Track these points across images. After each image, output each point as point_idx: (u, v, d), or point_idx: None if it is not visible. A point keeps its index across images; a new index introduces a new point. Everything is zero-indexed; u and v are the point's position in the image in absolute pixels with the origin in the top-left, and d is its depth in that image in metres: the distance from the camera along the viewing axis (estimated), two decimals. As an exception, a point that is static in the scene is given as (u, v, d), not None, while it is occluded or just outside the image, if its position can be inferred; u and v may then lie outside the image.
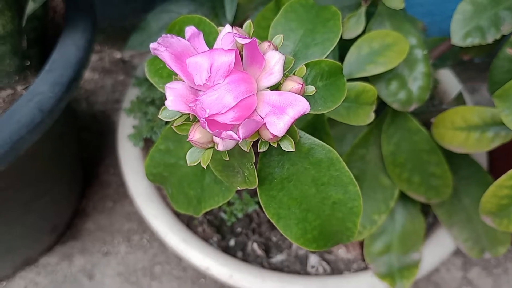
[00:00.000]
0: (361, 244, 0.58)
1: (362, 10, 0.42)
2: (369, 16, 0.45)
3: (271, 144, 0.25)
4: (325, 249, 0.31)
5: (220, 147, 0.23)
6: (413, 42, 0.42)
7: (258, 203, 0.60)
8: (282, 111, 0.23)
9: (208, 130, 0.21)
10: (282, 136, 0.23)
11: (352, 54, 0.39)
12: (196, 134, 0.24)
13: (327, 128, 0.38)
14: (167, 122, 0.61)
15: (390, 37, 0.39)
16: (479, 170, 0.54)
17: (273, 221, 0.30)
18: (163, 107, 0.26)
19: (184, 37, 0.25)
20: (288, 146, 0.24)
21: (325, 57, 0.29)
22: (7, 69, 0.46)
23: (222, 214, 0.59)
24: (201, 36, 0.25)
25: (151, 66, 0.31)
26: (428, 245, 0.56)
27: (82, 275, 0.71)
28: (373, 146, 0.51)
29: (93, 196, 0.78)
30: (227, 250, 0.56)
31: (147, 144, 0.63)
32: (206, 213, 0.60)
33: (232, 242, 0.58)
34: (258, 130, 0.24)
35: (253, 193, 0.58)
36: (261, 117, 0.23)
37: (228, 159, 0.25)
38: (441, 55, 0.49)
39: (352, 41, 0.41)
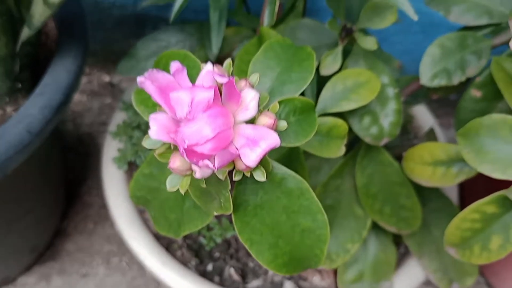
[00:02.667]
0: (335, 272, 0.59)
1: (339, 49, 0.46)
2: (346, 54, 0.48)
3: (245, 173, 0.27)
4: (295, 273, 0.33)
5: (198, 175, 0.25)
6: (385, 80, 0.45)
7: (237, 228, 0.61)
8: (255, 144, 0.25)
9: (186, 159, 0.23)
10: (255, 167, 0.25)
11: (327, 90, 0.42)
12: (176, 162, 0.26)
13: (302, 160, 0.40)
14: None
15: (363, 75, 0.42)
16: (448, 203, 0.56)
17: (246, 246, 0.31)
18: (146, 135, 0.28)
19: (169, 71, 0.27)
20: (260, 176, 0.26)
21: (299, 94, 0.31)
22: (-1, 90, 0.48)
23: (201, 239, 0.61)
24: (185, 71, 0.27)
25: (138, 95, 0.33)
26: (399, 274, 0.58)
27: (59, 296, 0.71)
28: (347, 177, 0.53)
29: (74, 216, 0.78)
30: (204, 275, 0.57)
31: (131, 167, 0.64)
32: (185, 237, 0.61)
33: (210, 267, 0.59)
34: (233, 160, 0.26)
35: (231, 219, 0.60)
36: (237, 149, 0.25)
37: (205, 186, 0.27)
38: (413, 93, 0.52)
39: (329, 77, 0.44)
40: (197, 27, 0.60)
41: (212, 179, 0.29)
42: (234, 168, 0.27)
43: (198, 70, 0.32)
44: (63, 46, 0.51)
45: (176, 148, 0.26)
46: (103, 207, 0.80)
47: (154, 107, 0.32)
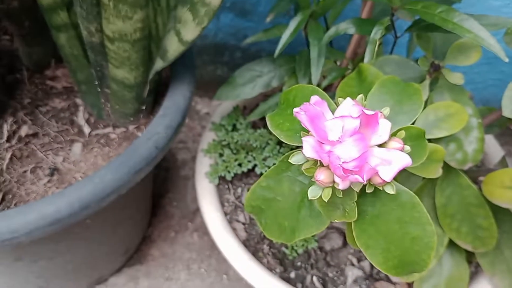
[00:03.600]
0: (409, 285, 0.64)
1: (427, 82, 0.51)
2: (430, 87, 0.54)
3: (376, 187, 0.33)
4: (402, 275, 0.38)
5: (341, 187, 0.32)
6: (469, 111, 0.50)
7: (317, 241, 0.67)
8: (389, 163, 0.31)
9: (342, 173, 0.29)
10: (388, 182, 0.32)
11: (420, 119, 0.47)
12: (322, 175, 0.32)
13: (397, 179, 0.46)
14: (240, 164, 0.70)
15: (453, 107, 0.47)
16: (520, 226, 0.60)
17: (362, 249, 0.37)
18: (292, 153, 0.34)
19: (297, 102, 0.34)
20: (390, 190, 0.32)
21: (411, 124, 0.37)
22: (127, 111, 0.56)
23: (284, 249, 0.67)
24: (326, 103, 0.34)
25: (272, 121, 0.40)
26: (471, 291, 0.61)
27: (146, 297, 0.78)
28: (426, 197, 0.58)
29: (158, 225, 0.86)
30: (288, 281, 0.63)
31: (220, 182, 0.71)
32: (270, 247, 0.67)
33: (292, 275, 0.64)
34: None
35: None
36: (373, 167, 0.31)
37: (341, 196, 0.33)
38: (489, 123, 0.57)
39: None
40: (286, 59, 0.68)
41: (343, 191, 0.35)
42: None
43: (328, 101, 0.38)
44: (177, 74, 0.59)
45: (321, 164, 0.33)
46: (183, 217, 0.87)
47: (289, 130, 0.39)
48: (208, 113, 1.05)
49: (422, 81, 0.53)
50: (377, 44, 0.48)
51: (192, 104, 1.07)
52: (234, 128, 0.74)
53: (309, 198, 0.34)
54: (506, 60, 0.42)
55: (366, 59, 0.48)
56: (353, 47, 0.62)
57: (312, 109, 0.33)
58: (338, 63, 0.67)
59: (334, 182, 0.33)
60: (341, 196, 0.34)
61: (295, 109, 0.32)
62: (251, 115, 0.69)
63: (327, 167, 0.32)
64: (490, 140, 0.77)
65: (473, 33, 0.42)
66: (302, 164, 0.34)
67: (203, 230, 0.85)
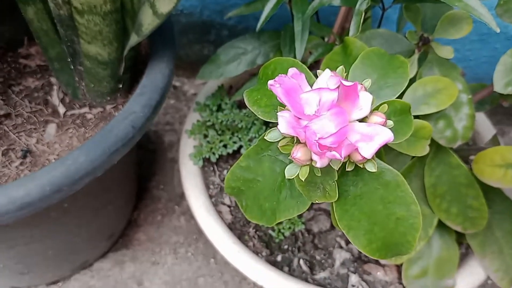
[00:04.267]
0: (398, 268, 0.62)
1: (416, 57, 0.49)
2: (419, 62, 0.51)
3: (357, 164, 0.31)
4: (386, 258, 0.36)
5: (318, 164, 0.29)
6: (459, 87, 0.48)
7: (304, 223, 0.65)
8: (370, 139, 0.29)
9: (318, 149, 0.27)
10: (368, 159, 0.29)
11: (408, 95, 0.45)
12: (299, 153, 0.30)
13: (383, 158, 0.44)
14: (225, 145, 0.67)
15: (442, 82, 0.45)
16: (511, 206, 0.58)
17: (344, 231, 0.35)
18: (268, 130, 0.32)
19: (275, 75, 0.32)
20: (372, 167, 0.30)
21: (396, 98, 0.35)
22: (103, 90, 0.54)
23: (271, 232, 0.65)
24: (303, 75, 0.32)
25: (250, 97, 0.37)
26: (461, 273, 0.60)
27: (132, 282, 0.76)
28: (415, 177, 0.56)
29: (144, 209, 0.84)
30: (274, 265, 0.62)
31: (205, 164, 0.69)
32: (256, 230, 0.65)
33: (279, 258, 0.63)
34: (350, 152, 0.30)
35: (299, 214, 0.64)
36: (352, 143, 0.29)
37: (319, 174, 0.31)
38: (480, 100, 0.55)
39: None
40: (271, 35, 0.65)
41: (321, 170, 0.33)
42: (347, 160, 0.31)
43: (307, 74, 0.36)
44: (156, 51, 0.56)
45: (298, 141, 0.31)
46: (170, 200, 0.85)
47: (266, 106, 0.37)
48: (196, 94, 1.02)
49: (411, 55, 0.51)
50: (363, 16, 0.45)
51: (179, 85, 1.04)
52: (219, 108, 0.72)
53: (285, 177, 0.32)
54: (498, 30, 0.39)
55: (351, 32, 0.46)
56: (340, 21, 0.60)
57: (288, 81, 0.30)
58: (326, 39, 0.65)
59: (312, 160, 0.30)
60: (319, 174, 0.32)
61: (269, 82, 0.30)
62: (236, 95, 0.67)
63: (304, 143, 0.30)
64: (482, 119, 0.75)
65: (463, 2, 0.39)
66: (276, 142, 0.32)
67: (190, 214, 0.83)
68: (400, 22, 0.63)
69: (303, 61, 0.60)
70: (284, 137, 0.32)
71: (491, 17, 0.40)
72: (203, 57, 1.00)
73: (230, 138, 0.68)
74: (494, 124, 0.86)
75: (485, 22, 0.41)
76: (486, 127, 0.76)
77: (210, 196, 0.66)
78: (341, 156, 0.27)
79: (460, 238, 0.61)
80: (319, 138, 0.27)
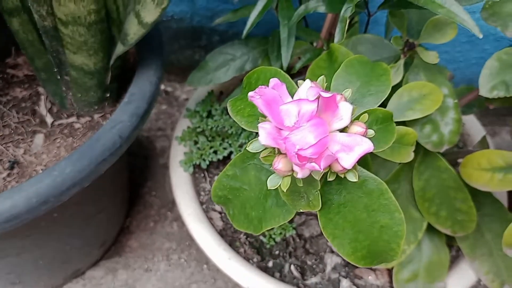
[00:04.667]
0: (389, 271, 0.62)
1: (401, 62, 0.49)
2: (405, 67, 0.51)
3: (338, 174, 0.31)
4: (371, 266, 0.36)
5: (299, 175, 0.30)
6: (445, 91, 0.48)
7: (295, 228, 0.65)
8: (351, 149, 0.29)
9: (297, 161, 0.27)
10: (349, 169, 0.30)
11: (393, 101, 0.45)
12: (280, 164, 0.30)
13: (370, 164, 0.44)
14: (215, 151, 0.67)
15: (427, 87, 0.45)
16: (500, 208, 0.59)
17: (329, 240, 0.35)
18: (251, 141, 0.32)
19: (259, 84, 0.32)
20: (352, 177, 0.30)
21: (378, 106, 0.35)
22: (90, 99, 0.54)
23: (262, 238, 0.65)
24: (284, 86, 0.32)
25: (233, 106, 0.37)
26: (452, 276, 0.60)
27: (124, 289, 0.76)
28: (404, 181, 0.56)
29: (136, 215, 0.84)
30: (265, 271, 0.62)
31: (196, 170, 0.69)
32: (247, 236, 0.65)
33: (270, 264, 0.63)
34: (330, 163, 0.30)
35: (291, 220, 0.64)
36: (332, 153, 0.29)
37: (302, 185, 0.31)
38: (468, 103, 0.55)
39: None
40: (259, 41, 0.65)
41: (303, 179, 0.33)
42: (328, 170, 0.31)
43: (287, 85, 0.36)
44: (144, 59, 0.56)
45: (279, 152, 0.31)
46: (162, 207, 0.85)
47: (250, 116, 0.37)
48: (188, 99, 1.02)
49: (397, 61, 0.51)
50: (348, 23, 0.45)
51: (171, 90, 1.04)
52: (209, 115, 0.72)
53: (268, 188, 0.32)
54: (481, 36, 0.40)
55: (336, 39, 0.46)
56: (327, 26, 0.60)
57: (268, 92, 0.30)
58: (315, 44, 0.65)
59: (293, 170, 0.31)
60: (301, 185, 0.32)
61: (250, 93, 0.30)
62: (225, 101, 0.67)
63: (285, 154, 0.30)
64: (472, 121, 0.75)
65: (445, 8, 0.39)
66: (260, 152, 0.32)
67: (183, 220, 0.83)
68: (389, 26, 0.63)
69: (291, 66, 0.60)
70: (266, 148, 0.32)
71: (473, 22, 0.40)
72: (195, 62, 1.00)
73: (220, 144, 0.68)
74: (486, 125, 0.86)
75: (468, 28, 0.41)
76: (476, 129, 0.76)
77: (201, 203, 0.66)
78: (320, 168, 0.27)
79: (450, 240, 0.61)
80: (298, 150, 0.27)
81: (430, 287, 0.58)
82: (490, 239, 0.59)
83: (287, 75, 0.36)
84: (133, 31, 0.47)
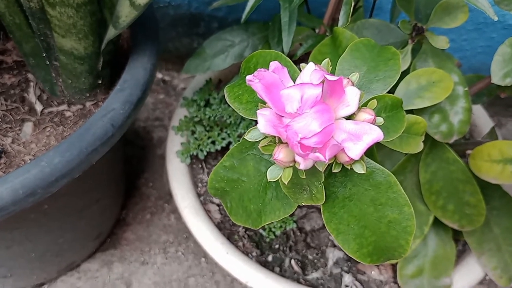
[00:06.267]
0: (393, 266, 0.60)
1: (409, 48, 0.47)
2: (412, 54, 0.49)
3: (344, 166, 0.28)
4: (378, 263, 0.34)
5: (302, 166, 0.27)
6: (455, 79, 0.46)
7: (296, 222, 0.63)
8: (358, 138, 0.26)
9: (300, 151, 0.25)
10: (356, 160, 0.27)
11: (401, 88, 0.43)
12: (281, 154, 0.28)
13: (375, 155, 0.41)
14: (213, 142, 0.65)
15: (436, 74, 0.43)
16: (509, 201, 0.56)
17: (333, 235, 0.33)
18: (249, 129, 0.30)
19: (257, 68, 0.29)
20: (360, 169, 0.28)
21: (387, 92, 0.32)
22: (81, 86, 0.51)
23: (261, 231, 0.63)
24: (285, 70, 0.29)
25: (231, 93, 0.35)
26: (459, 271, 0.58)
27: (120, 283, 0.74)
28: (410, 173, 0.54)
29: (133, 207, 0.82)
30: (265, 265, 0.60)
31: (193, 161, 0.67)
32: (246, 229, 0.63)
33: (270, 258, 0.61)
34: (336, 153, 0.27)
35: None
36: (338, 143, 0.27)
37: (304, 177, 0.29)
38: (477, 92, 0.53)
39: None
40: (259, 26, 0.62)
41: (306, 171, 0.30)
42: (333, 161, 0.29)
43: (289, 69, 0.33)
44: (138, 45, 0.54)
45: (280, 141, 0.28)
46: (160, 198, 0.83)
47: (248, 102, 0.34)
48: (185, 89, 1.00)
49: (404, 46, 0.48)
50: (353, 6, 0.42)
51: (169, 79, 1.01)
52: (207, 104, 0.69)
53: (267, 180, 0.30)
54: (496, 18, 0.37)
55: (340, 23, 0.43)
56: (330, 11, 0.57)
57: (268, 76, 0.28)
58: (317, 30, 0.62)
59: (295, 161, 0.28)
60: (304, 177, 0.29)
61: (248, 77, 0.27)
62: (224, 89, 0.64)
63: (287, 144, 0.28)
64: (479, 111, 0.72)
65: (458, -12, 0.37)
66: (259, 141, 0.29)
67: (180, 212, 0.81)
68: (394, 11, 0.61)
69: (293, 54, 0.57)
70: (266, 137, 0.29)
71: (488, 4, 0.38)
72: (193, 50, 0.96)
73: (219, 134, 0.66)
74: (491, 115, 0.84)
75: (482, 10, 0.38)
76: (483, 119, 0.73)
77: (199, 195, 0.64)
78: (325, 158, 0.25)
79: (457, 235, 0.59)
80: (301, 139, 0.25)
81: (436, 283, 0.56)
82: (498, 234, 0.57)
83: (288, 59, 0.34)
84: (125, 13, 0.44)
